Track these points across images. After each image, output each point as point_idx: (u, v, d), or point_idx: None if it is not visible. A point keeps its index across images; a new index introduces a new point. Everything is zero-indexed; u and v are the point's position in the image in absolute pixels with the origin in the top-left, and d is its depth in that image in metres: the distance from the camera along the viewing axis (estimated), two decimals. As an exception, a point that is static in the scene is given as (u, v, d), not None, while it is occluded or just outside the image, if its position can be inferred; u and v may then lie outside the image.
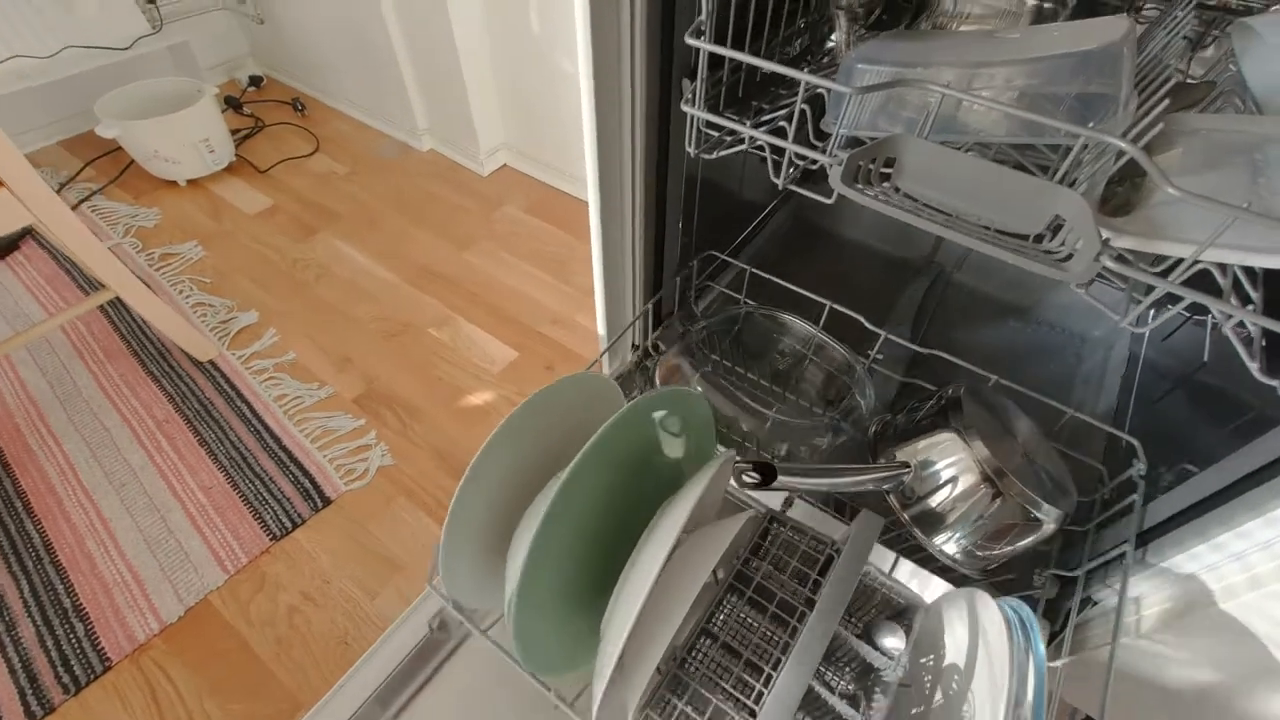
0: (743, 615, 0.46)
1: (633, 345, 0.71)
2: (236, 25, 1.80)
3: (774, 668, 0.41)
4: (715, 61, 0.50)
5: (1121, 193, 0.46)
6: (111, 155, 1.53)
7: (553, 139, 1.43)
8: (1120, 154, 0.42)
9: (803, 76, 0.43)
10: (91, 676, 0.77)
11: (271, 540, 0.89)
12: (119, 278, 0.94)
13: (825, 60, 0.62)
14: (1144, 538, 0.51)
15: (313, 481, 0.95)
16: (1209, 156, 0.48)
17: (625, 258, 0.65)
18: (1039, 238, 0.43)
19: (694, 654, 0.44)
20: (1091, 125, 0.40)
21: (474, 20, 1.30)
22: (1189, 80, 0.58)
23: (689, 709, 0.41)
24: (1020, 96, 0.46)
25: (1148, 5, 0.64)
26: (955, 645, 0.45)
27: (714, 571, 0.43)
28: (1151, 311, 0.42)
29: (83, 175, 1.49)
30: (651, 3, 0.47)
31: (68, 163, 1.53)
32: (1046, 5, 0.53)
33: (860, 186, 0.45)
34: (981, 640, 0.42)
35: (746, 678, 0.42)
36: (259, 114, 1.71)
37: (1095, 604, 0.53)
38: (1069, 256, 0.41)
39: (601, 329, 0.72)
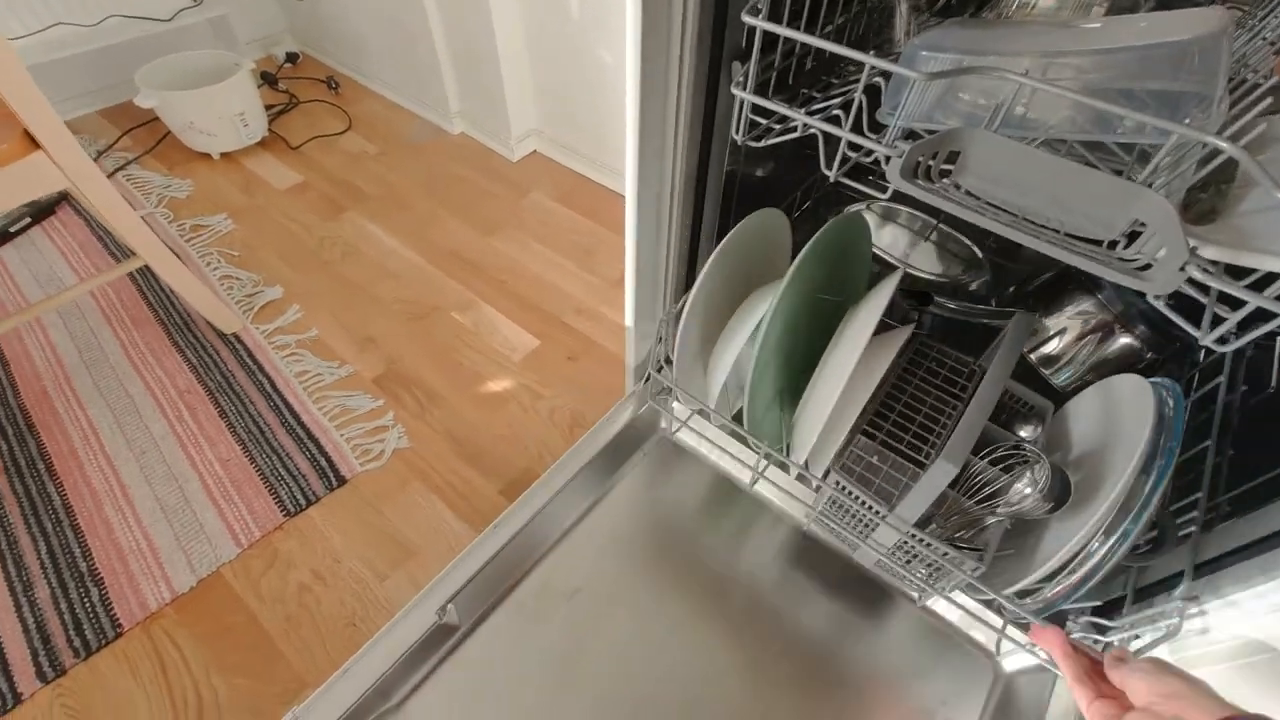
0: (912, 401, 0.59)
1: (658, 338, 0.69)
2: (275, 1, 1.80)
3: (939, 434, 0.56)
4: (767, 44, 0.47)
5: (1205, 199, 0.42)
6: (148, 125, 1.55)
7: (586, 127, 1.41)
8: (1206, 158, 0.39)
9: (868, 59, 0.40)
10: (103, 642, 0.78)
11: (285, 516, 0.89)
12: (149, 246, 0.94)
13: (881, 49, 0.59)
14: (1200, 569, 0.48)
15: (329, 460, 0.95)
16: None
17: (660, 249, 0.63)
18: (1113, 243, 0.40)
19: (877, 423, 0.57)
20: (1187, 122, 0.37)
21: (513, 2, 1.28)
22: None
23: (873, 458, 0.56)
24: (1092, 92, 0.43)
25: (1230, 3, 0.60)
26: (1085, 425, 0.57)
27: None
28: (1235, 328, 0.39)
29: (119, 144, 1.51)
30: (706, -23, 0.44)
31: (106, 131, 1.54)
32: (1126, -3, 0.49)
33: (920, 182, 0.42)
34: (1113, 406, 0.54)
35: (918, 442, 0.56)
36: (293, 90, 1.71)
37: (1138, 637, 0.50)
38: (1147, 265, 0.38)
39: (630, 321, 0.70)
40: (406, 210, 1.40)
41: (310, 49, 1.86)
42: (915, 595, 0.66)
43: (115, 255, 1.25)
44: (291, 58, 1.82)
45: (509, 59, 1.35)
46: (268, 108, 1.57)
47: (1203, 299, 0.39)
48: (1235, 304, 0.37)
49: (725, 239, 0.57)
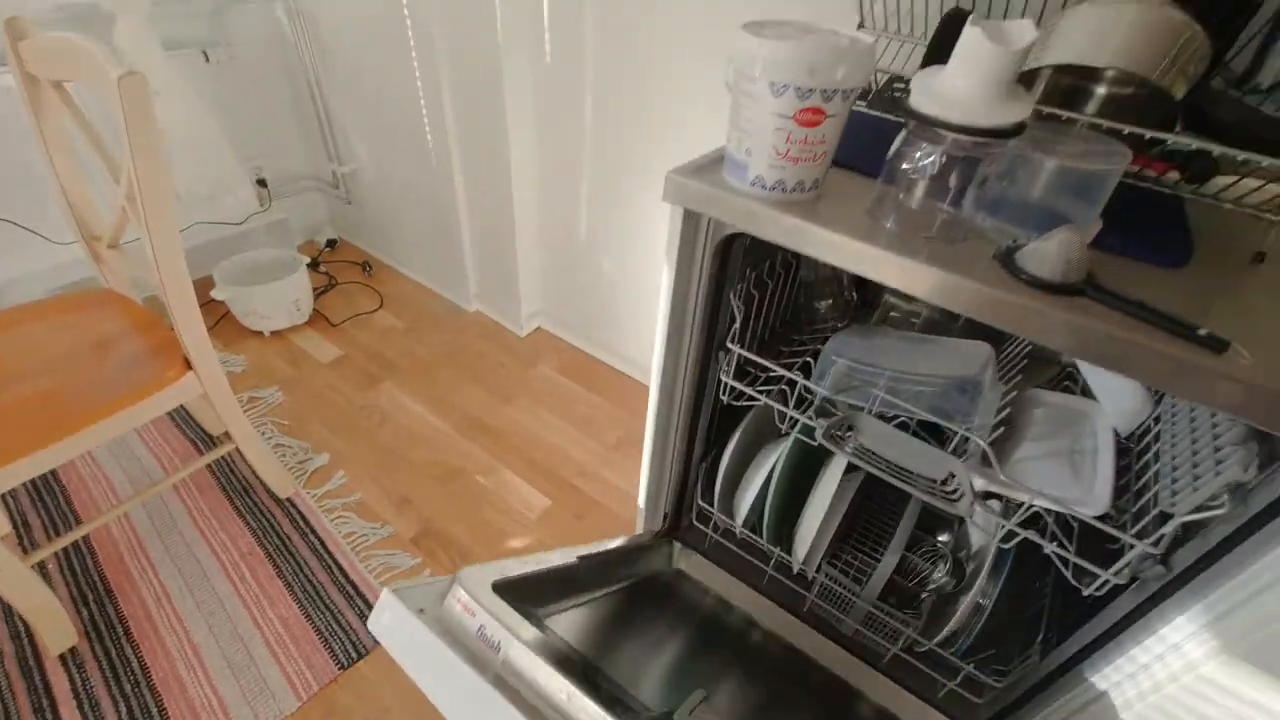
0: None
1: (664, 514, 0.93)
2: (323, 201, 2.18)
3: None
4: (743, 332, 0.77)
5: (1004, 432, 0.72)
6: (206, 307, 1.80)
7: (584, 312, 1.74)
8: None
9: (788, 374, 0.69)
10: (178, 796, 0.88)
11: (340, 669, 1.03)
12: (245, 432, 1.15)
13: (814, 324, 0.91)
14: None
15: (376, 615, 1.10)
16: (1052, 425, 0.74)
17: (666, 456, 0.89)
18: (945, 481, 0.68)
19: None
20: (974, 420, 0.67)
21: (531, 217, 1.65)
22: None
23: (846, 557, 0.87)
24: (917, 396, 0.73)
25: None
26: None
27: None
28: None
29: (181, 322, 1.75)
30: (704, 316, 0.75)
31: (169, 310, 1.79)
32: (938, 317, 0.83)
33: (835, 440, 0.70)
34: None
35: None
36: (333, 273, 2.03)
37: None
38: (960, 496, 0.66)
39: (642, 502, 0.94)
40: (432, 380, 1.65)
41: (347, 235, 2.21)
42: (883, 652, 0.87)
43: (184, 430, 1.45)
44: (331, 243, 2.16)
45: (524, 253, 1.69)
46: (313, 289, 1.86)
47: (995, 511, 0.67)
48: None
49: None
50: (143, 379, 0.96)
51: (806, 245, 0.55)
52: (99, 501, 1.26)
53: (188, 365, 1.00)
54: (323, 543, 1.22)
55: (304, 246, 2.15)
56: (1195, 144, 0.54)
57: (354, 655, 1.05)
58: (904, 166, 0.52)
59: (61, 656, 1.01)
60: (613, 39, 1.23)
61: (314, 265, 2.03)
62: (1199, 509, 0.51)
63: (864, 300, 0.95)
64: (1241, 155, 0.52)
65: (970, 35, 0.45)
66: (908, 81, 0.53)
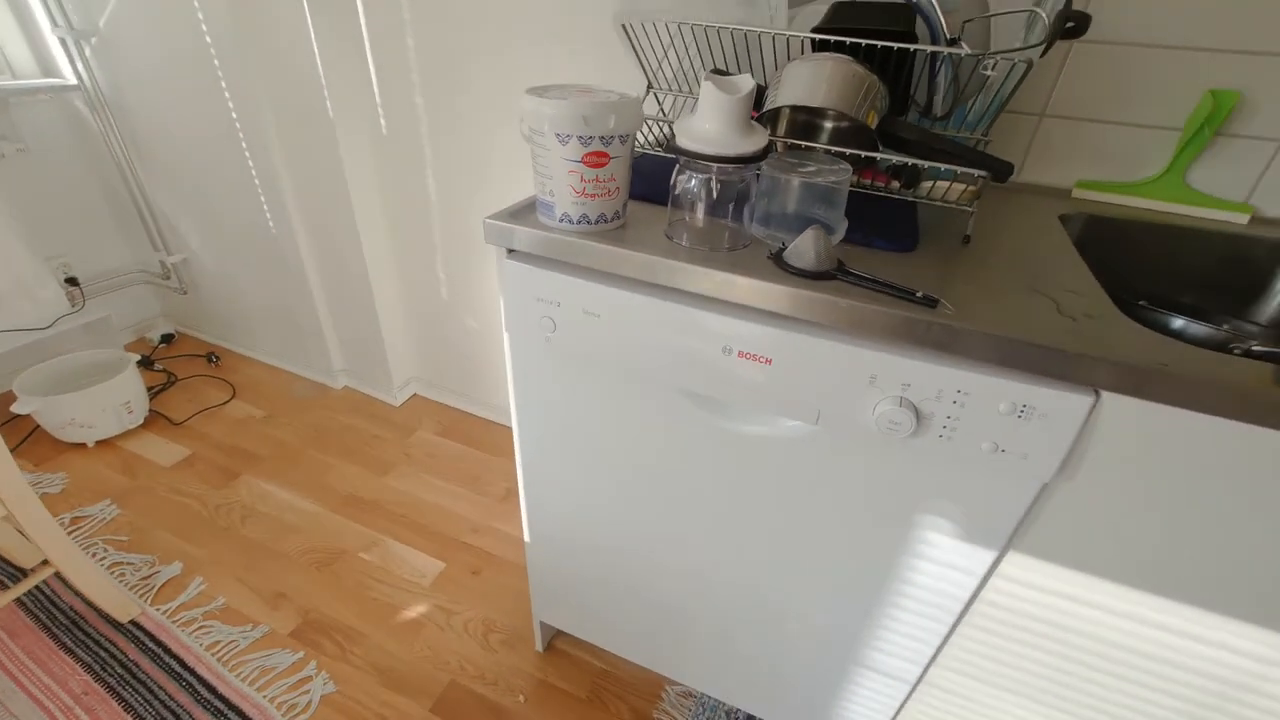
0: None
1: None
2: (152, 294, 2.00)
3: None
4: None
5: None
6: (9, 424, 1.58)
7: (456, 371, 1.74)
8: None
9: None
10: None
11: (213, 797, 0.91)
12: (65, 551, 1.02)
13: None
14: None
15: (253, 726, 1.00)
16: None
17: (542, 485, 0.93)
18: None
19: None
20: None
21: (391, 286, 1.64)
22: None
23: None
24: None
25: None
26: None
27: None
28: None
29: (-25, 448, 1.51)
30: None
31: (-43, 437, 1.54)
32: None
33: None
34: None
35: None
36: (171, 369, 1.85)
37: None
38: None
39: (528, 537, 0.96)
40: (299, 464, 1.55)
41: (187, 328, 2.04)
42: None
43: (-21, 566, 1.23)
44: (167, 338, 1.98)
45: (388, 321, 1.67)
46: (147, 389, 1.69)
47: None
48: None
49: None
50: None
51: (619, 267, 0.64)
52: None
53: (-19, 483, 0.89)
54: (180, 661, 1.09)
55: (134, 345, 1.95)
56: (895, 158, 0.71)
57: (229, 777, 0.94)
58: (677, 193, 0.63)
59: None
60: (441, 107, 1.31)
61: (147, 363, 1.85)
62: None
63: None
64: (925, 164, 0.69)
65: (707, 87, 0.58)
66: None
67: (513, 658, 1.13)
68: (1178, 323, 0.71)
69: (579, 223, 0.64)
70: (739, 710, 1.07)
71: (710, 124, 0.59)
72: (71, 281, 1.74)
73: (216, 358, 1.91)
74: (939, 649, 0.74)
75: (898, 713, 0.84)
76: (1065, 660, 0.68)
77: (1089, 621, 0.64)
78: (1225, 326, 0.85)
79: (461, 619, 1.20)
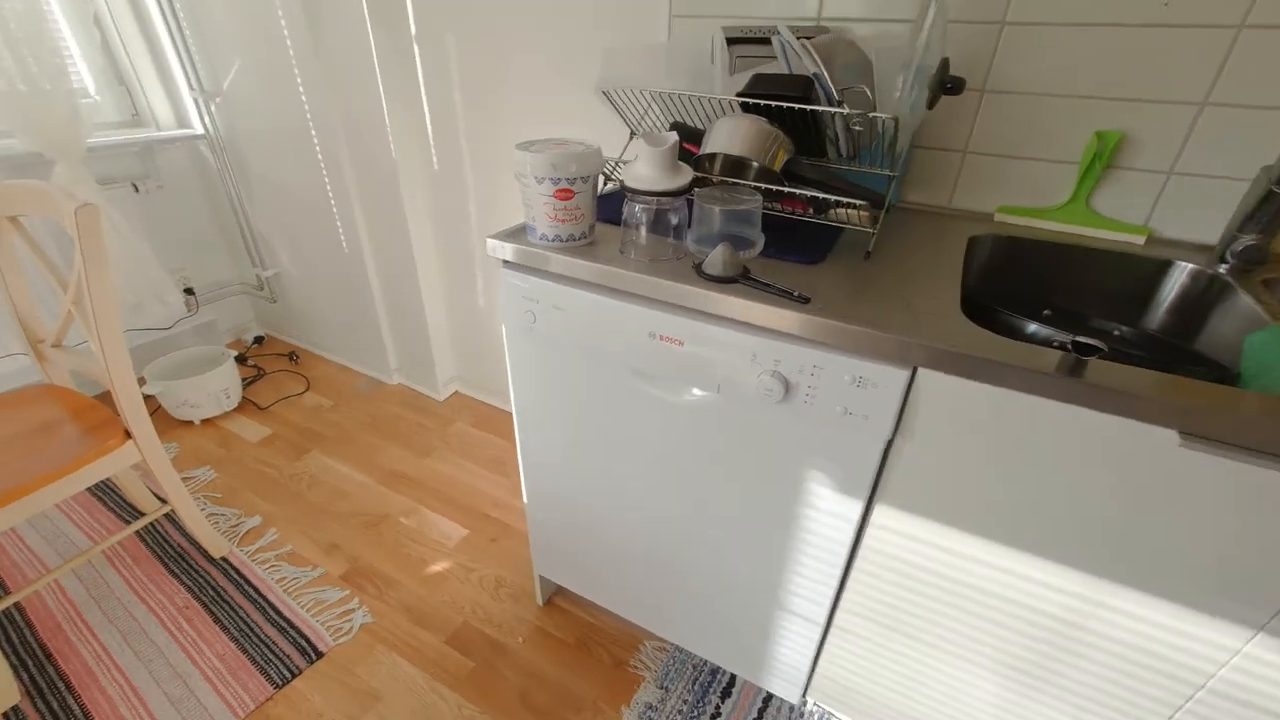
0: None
1: (545, 506, 1.16)
2: (248, 302, 2.38)
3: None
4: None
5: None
6: (137, 404, 1.94)
7: (491, 371, 1.99)
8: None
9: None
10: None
11: (274, 689, 1.16)
12: (179, 495, 1.31)
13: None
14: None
15: (307, 640, 1.24)
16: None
17: (537, 452, 1.14)
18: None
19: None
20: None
21: (438, 298, 1.92)
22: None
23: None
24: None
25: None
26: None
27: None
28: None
29: (111, 421, 1.88)
30: (540, 336, 1.02)
31: (99, 412, 1.91)
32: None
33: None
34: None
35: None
36: (261, 364, 2.21)
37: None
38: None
39: (525, 494, 1.17)
40: (356, 445, 1.84)
41: (274, 331, 2.41)
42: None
43: (111, 507, 1.56)
44: (258, 339, 2.35)
45: (435, 328, 1.95)
46: (242, 380, 2.04)
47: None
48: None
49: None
50: (86, 448, 1.13)
51: (576, 273, 0.85)
52: (29, 575, 1.35)
53: (127, 435, 1.18)
54: (256, 589, 1.35)
55: (232, 344, 2.32)
56: (799, 191, 0.89)
57: (288, 675, 1.18)
58: (625, 218, 0.84)
59: (5, 715, 1.09)
60: (483, 151, 1.58)
61: (242, 359, 2.21)
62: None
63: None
64: (832, 197, 0.87)
65: (638, 142, 0.78)
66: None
67: (516, 608, 1.34)
68: (1031, 326, 0.85)
69: (554, 241, 0.86)
70: (705, 661, 1.23)
71: (644, 168, 0.79)
72: (189, 291, 2.12)
73: (296, 356, 2.25)
74: (838, 591, 0.89)
75: (817, 656, 0.98)
76: (941, 604, 0.82)
77: (951, 567, 0.79)
78: (1116, 332, 0.97)
79: (478, 575, 1.42)
